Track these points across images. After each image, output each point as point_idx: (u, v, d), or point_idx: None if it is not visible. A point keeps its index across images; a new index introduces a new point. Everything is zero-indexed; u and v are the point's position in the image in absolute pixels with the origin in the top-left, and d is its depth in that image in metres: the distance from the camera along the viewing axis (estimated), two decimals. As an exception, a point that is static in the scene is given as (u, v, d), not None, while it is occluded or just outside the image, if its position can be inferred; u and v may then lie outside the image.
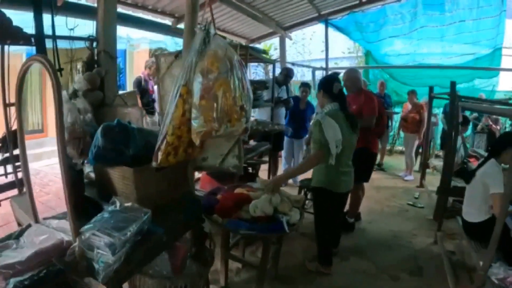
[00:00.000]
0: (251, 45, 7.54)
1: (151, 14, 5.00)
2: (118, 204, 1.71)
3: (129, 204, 1.73)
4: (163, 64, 2.53)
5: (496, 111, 3.64)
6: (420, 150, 7.09)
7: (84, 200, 1.96)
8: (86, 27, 2.94)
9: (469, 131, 7.30)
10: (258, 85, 3.36)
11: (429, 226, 4.33)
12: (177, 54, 2.46)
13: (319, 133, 2.52)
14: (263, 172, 4.49)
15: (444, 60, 7.25)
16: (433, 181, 6.16)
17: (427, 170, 6.13)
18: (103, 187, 2.04)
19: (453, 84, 4.14)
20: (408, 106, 6.72)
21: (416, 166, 7.11)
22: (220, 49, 1.78)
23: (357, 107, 3.59)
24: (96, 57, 2.87)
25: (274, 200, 2.34)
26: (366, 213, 4.56)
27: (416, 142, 6.67)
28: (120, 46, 10.33)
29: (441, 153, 7.49)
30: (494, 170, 2.85)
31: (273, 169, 5.00)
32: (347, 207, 3.81)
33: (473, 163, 4.47)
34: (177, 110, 1.81)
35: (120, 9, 4.44)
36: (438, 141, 7.79)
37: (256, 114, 5.17)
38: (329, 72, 7.72)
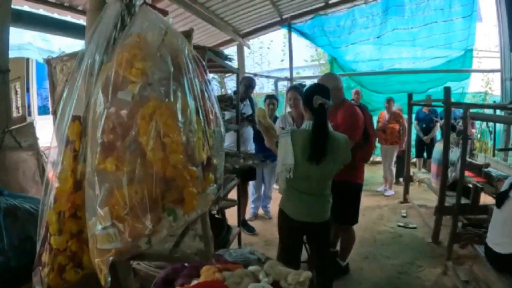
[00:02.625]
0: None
1: (70, 13, 3.92)
2: None
3: None
4: (60, 76, 1.52)
5: (505, 120, 3.11)
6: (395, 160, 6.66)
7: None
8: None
9: (438, 137, 7.05)
10: (223, 104, 2.41)
11: (431, 252, 3.82)
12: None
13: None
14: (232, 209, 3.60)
15: (416, 65, 6.92)
16: (416, 193, 5.84)
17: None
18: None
19: (447, 91, 3.59)
20: (385, 115, 6.17)
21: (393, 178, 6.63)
22: (151, 31, 0.89)
23: (334, 126, 2.74)
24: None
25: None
26: (358, 246, 3.87)
27: (395, 154, 6.15)
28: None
29: (415, 160, 7.11)
30: None
31: (241, 203, 4.11)
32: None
33: (473, 177, 3.94)
34: (62, 178, 0.89)
35: (27, 6, 3.40)
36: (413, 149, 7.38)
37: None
38: (294, 83, 7.10)
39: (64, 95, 1.04)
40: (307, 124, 2.27)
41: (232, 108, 2.70)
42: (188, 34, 1.25)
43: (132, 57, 0.87)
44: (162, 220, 0.86)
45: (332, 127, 2.71)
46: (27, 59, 7.91)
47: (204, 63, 1.04)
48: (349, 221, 3.11)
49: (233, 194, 3.57)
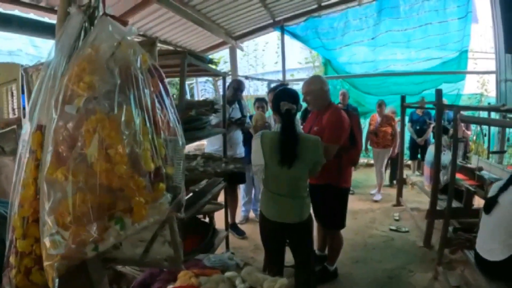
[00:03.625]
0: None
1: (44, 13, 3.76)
2: None
3: None
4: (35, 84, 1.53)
5: (497, 123, 3.07)
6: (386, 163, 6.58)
7: None
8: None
9: (432, 139, 7.03)
10: (203, 108, 2.40)
11: (422, 256, 3.78)
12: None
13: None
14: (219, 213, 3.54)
15: (410, 66, 6.85)
16: (409, 196, 5.80)
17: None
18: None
19: (438, 93, 3.56)
20: (377, 118, 6.04)
21: (386, 180, 6.64)
22: (105, 42, 0.89)
23: (319, 129, 2.73)
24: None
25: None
26: (349, 250, 3.86)
27: (387, 157, 6.10)
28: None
29: (409, 162, 7.07)
30: None
31: (231, 207, 4.06)
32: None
33: (466, 180, 3.90)
34: (25, 185, 0.94)
35: (17, 11, 3.36)
36: (407, 151, 7.33)
37: (206, 143, 4.22)
38: (288, 86, 7.05)
39: (30, 104, 1.08)
40: (277, 127, 2.35)
41: (214, 112, 2.66)
42: (151, 43, 1.22)
43: (81, 71, 0.88)
44: (109, 229, 0.88)
45: (317, 131, 2.71)
46: (23, 65, 7.97)
47: (162, 73, 1.01)
48: (335, 225, 3.08)
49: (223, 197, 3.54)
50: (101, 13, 1.04)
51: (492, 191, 2.55)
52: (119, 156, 0.85)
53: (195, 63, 2.30)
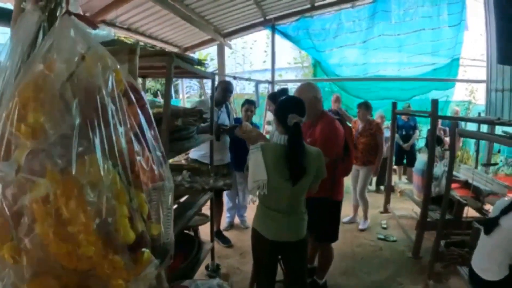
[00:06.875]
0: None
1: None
2: None
3: None
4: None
5: (495, 140, 2.98)
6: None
7: None
8: None
9: (421, 144, 7.01)
10: (191, 118, 2.16)
11: (411, 267, 3.70)
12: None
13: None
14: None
15: (401, 71, 6.78)
16: (397, 203, 5.66)
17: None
18: None
19: (434, 103, 3.47)
20: (359, 125, 4.88)
21: (373, 186, 6.51)
22: (62, 56, 0.64)
23: (312, 141, 2.60)
24: None
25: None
26: (337, 260, 3.69)
27: (369, 177, 4.97)
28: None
29: (395, 167, 7.01)
30: None
31: (216, 214, 3.82)
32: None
33: (456, 191, 3.83)
34: None
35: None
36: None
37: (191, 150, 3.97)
38: (276, 86, 6.88)
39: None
40: (280, 139, 2.11)
41: (202, 122, 2.46)
42: (131, 49, 0.98)
43: (24, 102, 0.61)
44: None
45: (310, 143, 2.54)
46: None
47: (142, 96, 0.78)
48: (328, 238, 2.98)
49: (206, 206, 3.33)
50: (64, 10, 0.77)
51: (493, 211, 2.47)
52: (85, 235, 0.61)
53: (182, 66, 2.09)
